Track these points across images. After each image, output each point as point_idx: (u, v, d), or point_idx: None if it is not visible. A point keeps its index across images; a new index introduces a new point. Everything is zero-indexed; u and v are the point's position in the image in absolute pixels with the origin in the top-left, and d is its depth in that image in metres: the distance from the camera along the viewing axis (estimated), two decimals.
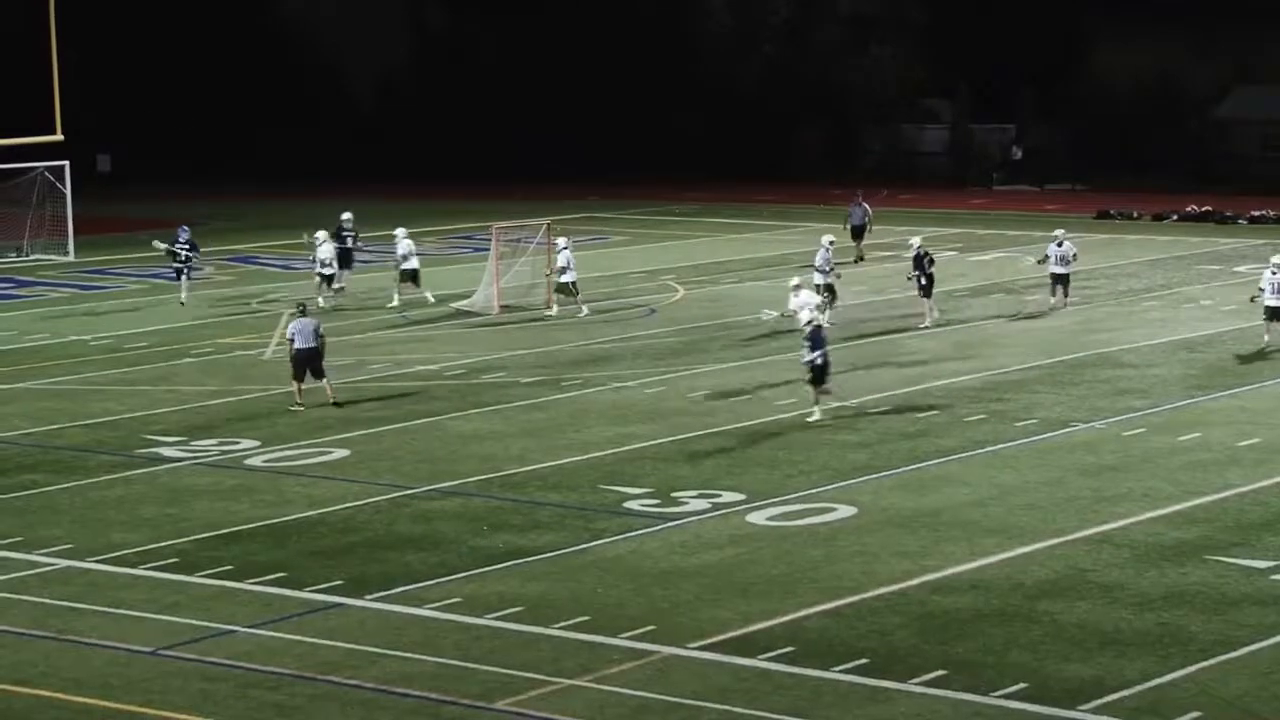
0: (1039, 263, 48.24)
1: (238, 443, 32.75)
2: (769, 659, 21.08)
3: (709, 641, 21.69)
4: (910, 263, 45.18)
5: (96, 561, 25.48)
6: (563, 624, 22.37)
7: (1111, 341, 41.74)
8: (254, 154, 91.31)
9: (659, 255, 60.53)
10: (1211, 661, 20.82)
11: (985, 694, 19.92)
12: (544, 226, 49.88)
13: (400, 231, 50.00)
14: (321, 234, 49.34)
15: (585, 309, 46.91)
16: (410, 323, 46.66)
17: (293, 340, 35.65)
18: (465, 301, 48.58)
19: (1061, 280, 46.61)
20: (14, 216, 61.19)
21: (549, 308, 47.29)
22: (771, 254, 59.23)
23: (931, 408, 34.64)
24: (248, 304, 50.39)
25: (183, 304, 48.86)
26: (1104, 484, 28.81)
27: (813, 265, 45.62)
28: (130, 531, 26.97)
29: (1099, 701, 19.67)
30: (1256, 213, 68.75)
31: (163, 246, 50.32)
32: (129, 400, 36.92)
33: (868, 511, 27.38)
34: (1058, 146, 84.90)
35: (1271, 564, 24.42)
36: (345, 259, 51.29)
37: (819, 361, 33.58)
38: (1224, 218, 68.62)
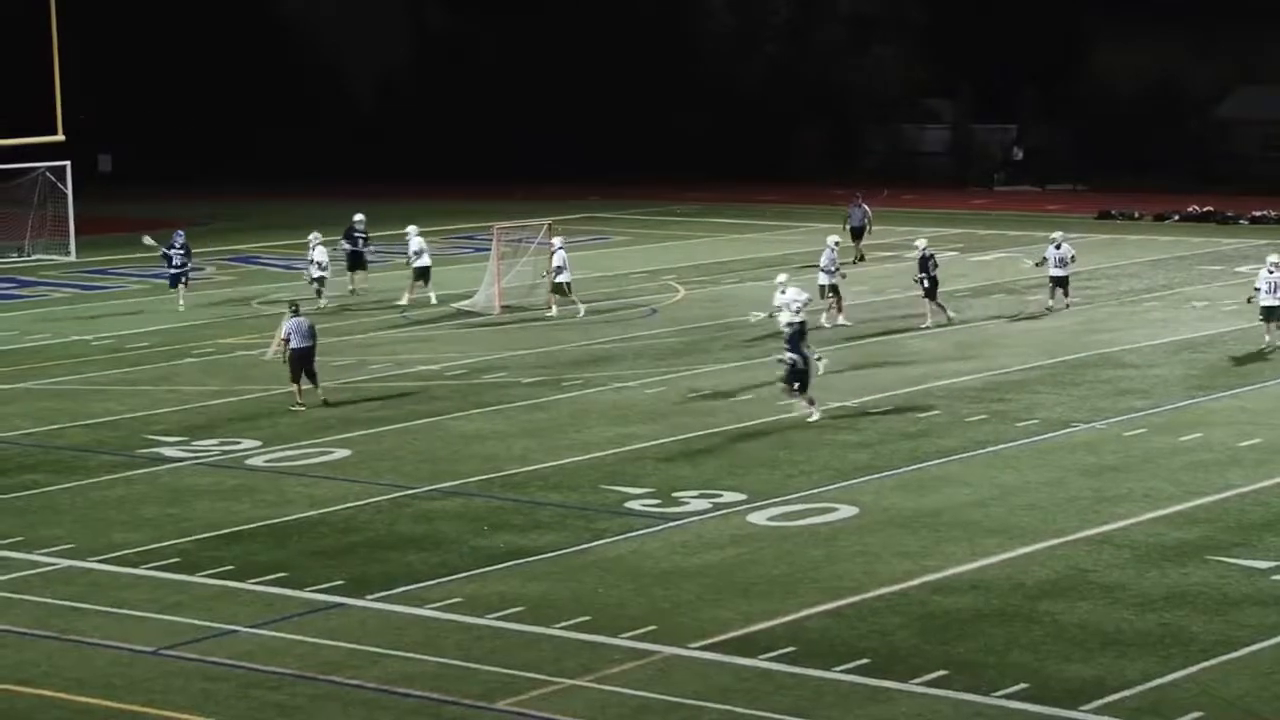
0: (1037, 265, 48.20)
1: (239, 443, 32.75)
2: (770, 659, 21.07)
3: (710, 641, 21.68)
4: (916, 264, 45.17)
5: (98, 561, 25.49)
6: (564, 624, 22.36)
7: (1113, 342, 41.73)
8: (254, 154, 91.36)
9: (660, 255, 60.52)
10: (1213, 662, 20.80)
11: (986, 694, 19.92)
12: (545, 227, 49.90)
13: (412, 229, 49.96)
14: (314, 236, 49.26)
15: (582, 309, 46.89)
16: (411, 323, 46.68)
17: (288, 340, 35.66)
18: (466, 301, 48.60)
19: (1061, 282, 46.59)
20: (15, 217, 61.22)
21: (549, 308, 47.29)
22: (773, 254, 59.16)
23: (933, 408, 34.66)
24: (248, 304, 50.43)
25: (180, 310, 48.83)
26: (1105, 484, 28.79)
27: (818, 265, 45.60)
28: (132, 531, 26.97)
29: (1100, 702, 19.66)
30: (1258, 213, 68.70)
31: (153, 243, 50.31)
32: (130, 400, 36.93)
33: (869, 511, 27.37)
34: (1059, 147, 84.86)
35: (1273, 564, 24.39)
36: (357, 260, 51.33)
37: (799, 365, 33.25)
38: (1225, 218, 68.60)
